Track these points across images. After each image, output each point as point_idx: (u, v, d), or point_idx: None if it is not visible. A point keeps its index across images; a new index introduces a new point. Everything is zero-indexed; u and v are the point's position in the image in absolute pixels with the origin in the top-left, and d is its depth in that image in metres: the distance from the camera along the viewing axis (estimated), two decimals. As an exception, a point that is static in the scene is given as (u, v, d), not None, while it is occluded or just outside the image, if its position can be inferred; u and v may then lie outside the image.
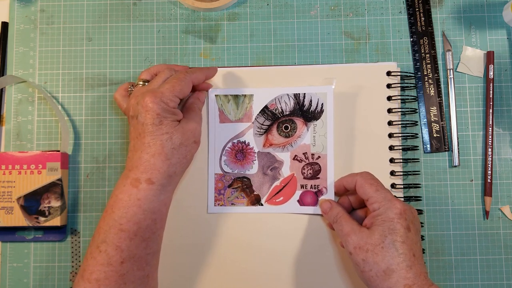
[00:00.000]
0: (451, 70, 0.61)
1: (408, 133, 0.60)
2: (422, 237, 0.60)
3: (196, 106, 0.58)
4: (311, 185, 0.59)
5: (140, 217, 0.50)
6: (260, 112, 0.60)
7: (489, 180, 0.60)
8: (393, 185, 0.59)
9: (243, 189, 0.60)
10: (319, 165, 0.59)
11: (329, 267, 0.59)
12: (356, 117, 0.60)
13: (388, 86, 0.60)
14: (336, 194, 0.59)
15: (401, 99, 0.61)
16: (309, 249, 0.59)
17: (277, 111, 0.60)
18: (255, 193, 0.60)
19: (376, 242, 0.48)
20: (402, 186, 0.59)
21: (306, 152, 0.59)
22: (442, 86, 0.62)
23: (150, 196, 0.51)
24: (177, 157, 0.52)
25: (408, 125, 0.61)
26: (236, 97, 0.61)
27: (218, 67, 0.62)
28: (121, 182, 0.51)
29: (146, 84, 0.55)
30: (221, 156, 0.60)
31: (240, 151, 0.60)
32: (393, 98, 0.60)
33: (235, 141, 0.60)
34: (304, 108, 0.60)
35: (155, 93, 0.51)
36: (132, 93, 0.55)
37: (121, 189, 0.51)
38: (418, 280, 0.47)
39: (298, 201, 0.59)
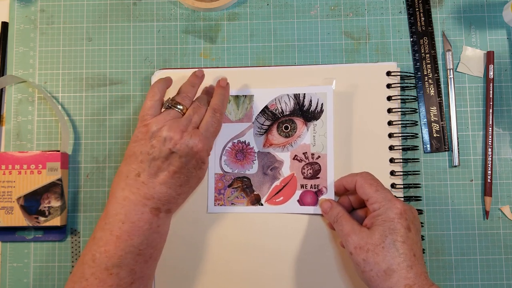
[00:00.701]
0: (451, 70, 0.62)
1: (408, 133, 0.60)
2: (422, 237, 0.60)
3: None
4: (311, 185, 0.59)
5: (157, 241, 0.52)
6: (260, 112, 0.60)
7: (489, 180, 0.60)
8: (393, 185, 0.59)
9: (243, 189, 0.60)
10: (319, 165, 0.59)
11: (329, 267, 0.59)
12: (356, 117, 0.60)
13: (388, 86, 0.60)
14: (336, 194, 0.59)
15: (401, 99, 0.61)
16: (309, 249, 0.59)
17: (277, 111, 0.60)
18: (255, 193, 0.60)
19: (377, 242, 0.48)
20: (402, 186, 0.59)
21: (306, 152, 0.59)
22: (442, 86, 0.62)
23: (167, 222, 0.53)
24: (192, 193, 0.56)
25: (408, 125, 0.61)
26: (236, 97, 0.61)
27: (218, 67, 0.62)
28: (138, 209, 0.50)
29: (182, 110, 0.53)
30: (221, 156, 0.60)
31: (240, 151, 0.60)
32: (393, 98, 0.60)
33: (235, 141, 0.60)
34: (304, 108, 0.60)
35: (209, 143, 0.54)
36: (171, 119, 0.52)
37: (139, 217, 0.50)
38: (418, 280, 0.47)
39: (298, 201, 0.59)
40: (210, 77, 0.61)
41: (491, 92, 0.61)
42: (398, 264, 0.47)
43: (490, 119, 0.61)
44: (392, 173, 0.59)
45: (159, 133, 0.51)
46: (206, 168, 0.55)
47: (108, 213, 0.51)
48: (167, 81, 0.56)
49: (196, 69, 0.58)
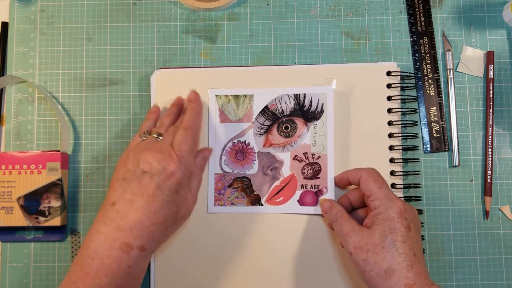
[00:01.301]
0: (451, 70, 0.62)
1: (408, 133, 0.60)
2: (422, 237, 0.60)
3: (199, 170, 0.56)
4: (311, 185, 0.59)
5: (127, 283, 0.48)
6: (260, 112, 0.60)
7: (489, 180, 0.60)
8: (393, 185, 0.59)
9: (243, 189, 0.60)
10: (319, 165, 0.59)
11: (329, 267, 0.59)
12: (356, 117, 0.60)
13: (388, 86, 0.60)
14: (337, 185, 0.59)
15: (401, 99, 0.61)
16: (309, 249, 0.59)
17: (277, 111, 0.60)
18: (255, 193, 0.60)
19: (377, 242, 0.48)
20: (402, 186, 0.59)
21: (306, 152, 0.59)
22: (442, 86, 0.62)
23: (140, 262, 0.49)
24: (173, 228, 0.52)
25: (408, 125, 0.61)
26: (236, 97, 0.61)
27: (218, 67, 0.62)
28: (108, 244, 0.47)
29: (158, 136, 0.54)
30: (221, 156, 0.60)
31: (240, 151, 0.60)
32: (393, 98, 0.60)
33: (235, 141, 0.60)
34: (304, 109, 0.60)
35: (185, 163, 0.51)
36: (146, 144, 0.52)
37: (108, 253, 0.47)
38: (419, 279, 0.47)
39: (298, 201, 0.59)
40: (211, 77, 0.61)
41: (491, 92, 0.61)
42: (398, 264, 0.47)
43: (490, 119, 0.61)
44: (392, 173, 0.59)
45: (134, 156, 0.51)
46: (188, 196, 0.52)
47: (82, 246, 0.48)
48: (156, 112, 0.59)
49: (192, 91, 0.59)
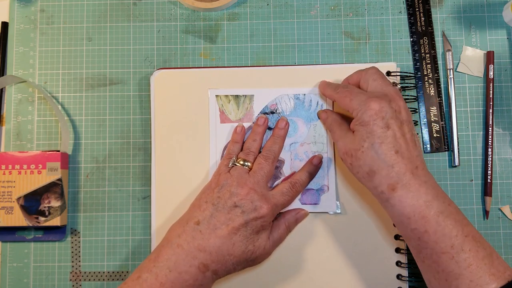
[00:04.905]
0: (451, 70, 0.62)
1: (408, 133, 0.60)
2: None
3: (285, 228, 0.57)
4: (313, 184, 0.59)
5: None
6: (260, 112, 0.60)
7: (489, 180, 0.60)
8: (393, 185, 0.59)
9: (243, 189, 0.60)
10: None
11: (329, 266, 0.58)
12: (356, 117, 0.60)
13: (388, 86, 0.60)
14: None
15: (401, 99, 0.61)
16: (309, 248, 0.59)
17: (277, 111, 0.60)
18: (255, 193, 0.60)
19: (357, 147, 0.49)
20: (402, 186, 0.59)
21: (307, 151, 0.59)
22: (442, 86, 0.62)
23: (209, 284, 0.51)
24: (244, 266, 0.53)
25: (408, 125, 0.61)
26: (236, 97, 0.61)
27: (218, 67, 0.62)
28: (188, 260, 0.50)
29: (247, 165, 0.55)
30: (222, 156, 0.60)
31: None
32: (393, 98, 0.60)
33: (235, 141, 0.60)
34: (304, 109, 0.60)
35: (275, 212, 0.54)
36: (239, 176, 0.53)
37: (187, 269, 0.49)
38: (403, 178, 0.46)
39: (299, 199, 0.59)
40: (211, 77, 0.61)
41: (491, 92, 0.61)
42: (378, 166, 0.47)
43: (490, 119, 0.61)
44: (392, 173, 0.59)
45: (228, 188, 0.52)
46: (265, 243, 0.53)
47: (159, 257, 0.50)
48: (242, 132, 0.59)
49: (259, 117, 0.60)
